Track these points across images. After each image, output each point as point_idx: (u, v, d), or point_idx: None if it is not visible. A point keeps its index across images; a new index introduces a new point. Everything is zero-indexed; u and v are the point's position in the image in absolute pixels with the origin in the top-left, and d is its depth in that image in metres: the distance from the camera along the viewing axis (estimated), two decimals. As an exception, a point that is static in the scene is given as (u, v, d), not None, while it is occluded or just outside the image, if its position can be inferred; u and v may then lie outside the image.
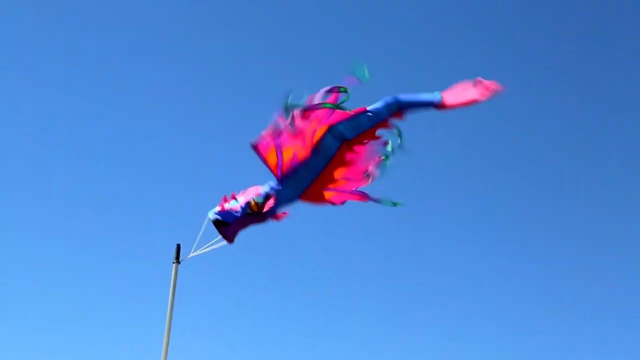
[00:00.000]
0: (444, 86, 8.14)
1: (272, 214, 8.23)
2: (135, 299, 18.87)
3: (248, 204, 8.07)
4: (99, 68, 21.89)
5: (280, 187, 8.14)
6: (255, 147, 8.01)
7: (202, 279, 16.46)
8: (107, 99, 21.97)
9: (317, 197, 8.35)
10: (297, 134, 8.00)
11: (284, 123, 7.97)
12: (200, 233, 8.20)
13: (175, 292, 8.29)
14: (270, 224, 8.32)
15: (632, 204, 22.99)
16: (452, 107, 8.09)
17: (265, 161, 8.06)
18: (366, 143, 8.26)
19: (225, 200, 8.16)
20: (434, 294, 21.15)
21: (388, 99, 8.12)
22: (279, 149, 8.03)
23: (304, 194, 8.27)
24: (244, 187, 8.32)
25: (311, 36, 23.99)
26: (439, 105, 8.07)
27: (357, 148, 8.27)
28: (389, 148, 8.23)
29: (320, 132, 8.09)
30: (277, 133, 7.98)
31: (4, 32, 21.77)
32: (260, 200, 8.09)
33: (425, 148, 20.44)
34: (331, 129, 8.09)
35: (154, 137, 22.43)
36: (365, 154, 8.28)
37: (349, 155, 8.28)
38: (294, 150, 8.07)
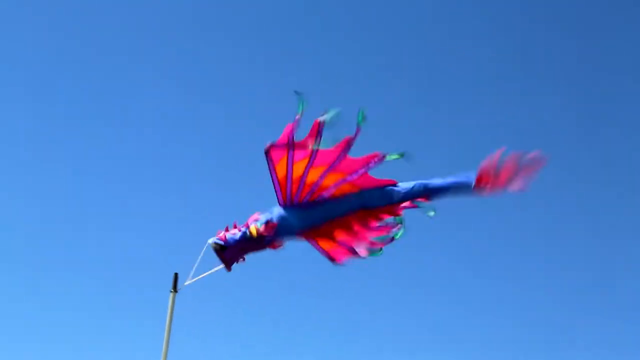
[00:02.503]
0: (447, 94, 8.01)
1: (270, 242, 8.17)
2: (132, 326, 18.88)
3: (247, 228, 8.03)
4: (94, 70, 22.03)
5: (283, 214, 8.12)
6: (267, 152, 7.73)
7: (199, 305, 16.49)
8: (97, 112, 22.05)
9: (318, 241, 8.22)
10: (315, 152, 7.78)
11: (310, 138, 7.71)
12: (198, 260, 8.21)
13: (172, 321, 8.35)
14: (269, 252, 8.37)
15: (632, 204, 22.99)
16: (490, 190, 7.75)
17: (274, 170, 7.82)
18: (384, 217, 8.17)
19: (227, 230, 8.13)
20: (432, 294, 21.25)
21: (419, 184, 8.01)
22: (290, 160, 7.83)
23: (306, 233, 8.17)
24: (245, 213, 8.33)
25: (311, 40, 24.11)
26: (475, 189, 7.76)
27: (372, 220, 8.17)
28: (397, 234, 8.19)
29: (347, 189, 8.04)
30: (292, 141, 7.70)
31: (4, 32, 21.96)
32: (260, 225, 8.04)
33: (425, 150, 20.63)
34: (359, 193, 8.03)
35: (154, 157, 22.50)
36: (375, 228, 8.20)
37: (360, 222, 8.17)
38: (305, 170, 7.91)
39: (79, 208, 21.13)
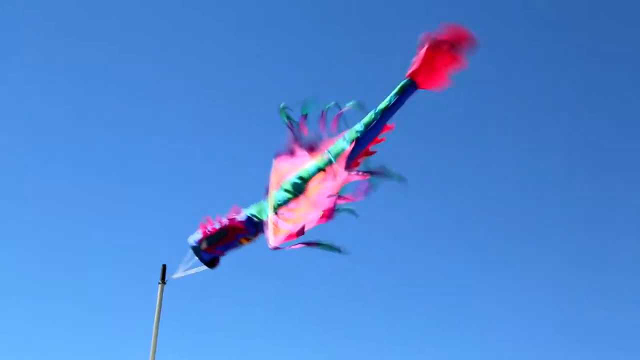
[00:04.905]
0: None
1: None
2: (121, 317, 18.97)
3: (238, 240, 8.12)
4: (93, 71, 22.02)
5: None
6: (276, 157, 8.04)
7: (189, 297, 16.61)
8: (90, 112, 22.07)
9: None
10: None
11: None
12: (187, 262, 8.29)
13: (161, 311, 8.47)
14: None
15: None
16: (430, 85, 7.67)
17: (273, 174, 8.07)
18: (360, 159, 8.21)
19: (204, 227, 8.15)
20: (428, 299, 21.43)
21: (371, 122, 7.78)
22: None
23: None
24: (228, 203, 8.44)
25: (310, 41, 24.12)
26: (417, 87, 7.67)
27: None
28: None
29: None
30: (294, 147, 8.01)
31: (5, 33, 21.94)
32: (251, 237, 8.14)
33: (425, 154, 20.72)
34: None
35: (144, 151, 22.51)
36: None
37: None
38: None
39: (72, 201, 21.21)
